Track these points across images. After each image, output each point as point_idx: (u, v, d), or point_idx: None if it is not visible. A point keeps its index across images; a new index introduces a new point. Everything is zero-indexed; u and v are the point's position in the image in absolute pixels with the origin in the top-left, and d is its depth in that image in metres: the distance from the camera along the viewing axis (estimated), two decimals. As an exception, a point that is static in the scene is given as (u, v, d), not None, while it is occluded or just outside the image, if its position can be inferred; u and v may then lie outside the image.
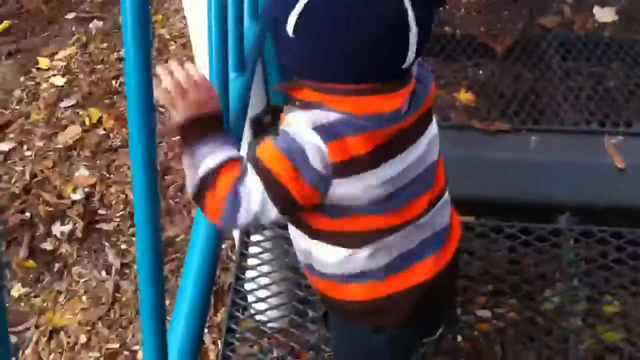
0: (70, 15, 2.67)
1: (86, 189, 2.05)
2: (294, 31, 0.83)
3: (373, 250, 0.92)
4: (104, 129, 2.22)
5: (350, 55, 0.82)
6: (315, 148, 0.82)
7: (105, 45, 2.52)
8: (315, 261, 0.97)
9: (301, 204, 0.86)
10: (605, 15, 1.94)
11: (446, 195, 1.00)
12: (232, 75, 1.26)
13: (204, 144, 0.87)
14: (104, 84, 2.36)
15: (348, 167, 0.84)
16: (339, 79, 0.84)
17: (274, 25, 0.87)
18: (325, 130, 0.83)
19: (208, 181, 0.85)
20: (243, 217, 0.85)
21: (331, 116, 0.84)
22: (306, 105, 0.87)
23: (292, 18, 0.82)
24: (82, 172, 2.10)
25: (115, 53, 2.48)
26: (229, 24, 1.20)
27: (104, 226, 1.98)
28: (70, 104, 2.29)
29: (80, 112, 2.27)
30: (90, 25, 2.61)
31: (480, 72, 1.85)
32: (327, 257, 0.94)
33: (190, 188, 0.88)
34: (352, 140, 0.83)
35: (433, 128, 0.95)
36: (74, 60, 2.47)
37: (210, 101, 0.90)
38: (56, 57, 2.49)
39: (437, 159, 0.96)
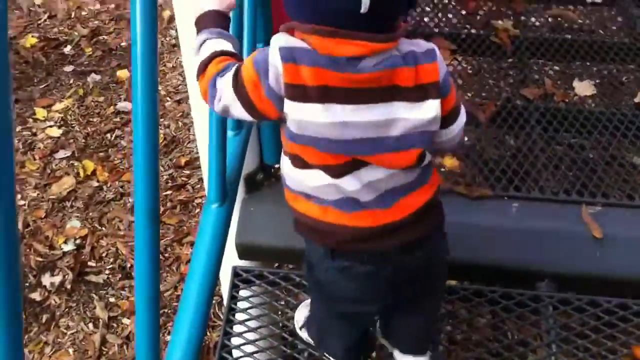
0: (69, 68, 2.74)
1: (77, 241, 2.09)
2: None
3: (322, 184, 1.03)
4: (98, 181, 2.26)
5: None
6: (273, 67, 0.95)
7: (102, 98, 2.58)
8: (284, 171, 1.09)
9: (259, 110, 0.99)
10: (584, 88, 2.03)
11: (420, 188, 1.07)
12: (230, 133, 1.32)
13: (211, 33, 1.04)
14: (99, 136, 2.42)
15: (297, 92, 0.95)
16: (304, 18, 0.97)
17: None
18: (287, 52, 0.95)
19: (202, 68, 1.02)
20: (217, 105, 1.02)
21: (298, 44, 0.96)
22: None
23: None
24: (74, 224, 2.13)
25: (112, 107, 2.54)
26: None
27: (93, 278, 2.00)
28: (65, 155, 2.34)
29: (75, 164, 2.31)
30: (88, 78, 2.68)
31: (465, 138, 1.92)
32: (287, 170, 1.07)
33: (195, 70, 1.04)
34: (305, 70, 0.94)
35: (423, 111, 1.00)
36: (70, 112, 2.53)
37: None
38: (53, 108, 2.55)
39: (415, 145, 1.01)
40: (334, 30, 0.94)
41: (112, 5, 3.11)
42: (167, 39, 2.95)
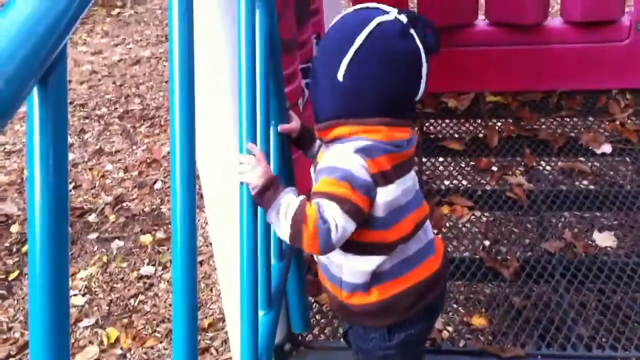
0: (93, 236, 2.80)
1: (100, 415, 2.03)
2: (343, 76, 1.13)
3: (393, 255, 1.19)
4: (121, 349, 2.24)
5: (386, 94, 1.14)
6: (359, 165, 1.11)
7: (125, 264, 2.62)
8: (345, 273, 1.22)
9: (365, 212, 1.12)
10: (605, 239, 2.05)
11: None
12: (260, 312, 1.32)
13: (280, 198, 1.13)
14: (123, 303, 2.42)
15: (381, 178, 1.13)
16: (375, 114, 1.14)
17: (322, 74, 1.17)
18: (363, 152, 1.11)
19: (298, 223, 1.09)
20: (334, 234, 1.09)
21: (366, 143, 1.13)
22: (342, 139, 1.16)
23: (343, 65, 1.13)
24: (97, 396, 2.08)
25: (135, 272, 2.56)
26: (259, 266, 1.29)
27: None
28: (89, 324, 2.34)
29: (99, 332, 2.30)
30: (112, 245, 2.73)
31: (492, 296, 1.91)
32: (359, 266, 1.20)
33: (285, 236, 1.12)
34: (380, 159, 1.13)
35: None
36: (94, 279, 2.55)
37: (269, 169, 1.19)
38: (77, 276, 2.58)
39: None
40: (393, 122, 1.15)
41: (135, 173, 3.24)
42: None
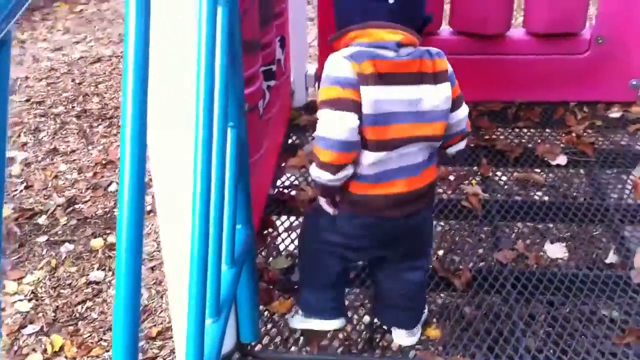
0: (42, 239, 2.72)
1: None
2: None
3: (374, 159, 1.41)
4: (65, 357, 2.17)
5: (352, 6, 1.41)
6: (347, 66, 1.36)
7: (74, 269, 2.55)
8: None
9: (356, 102, 1.36)
10: (556, 250, 2.05)
11: (431, 149, 1.49)
12: (208, 320, 1.29)
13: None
14: (70, 309, 2.35)
15: (365, 79, 1.35)
16: (355, 22, 1.40)
17: None
18: (350, 58, 1.36)
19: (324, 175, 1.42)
20: (335, 136, 1.37)
21: (352, 50, 1.38)
22: (340, 46, 1.43)
23: None
24: (38, 405, 2.02)
25: (84, 277, 2.50)
26: (209, 271, 1.25)
27: None
28: (33, 331, 2.26)
29: (43, 339, 2.23)
30: (61, 248, 2.66)
31: (444, 306, 1.90)
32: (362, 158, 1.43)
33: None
34: (364, 64, 1.35)
35: (438, 97, 1.42)
36: (41, 284, 2.48)
37: None
38: (24, 280, 2.50)
39: (427, 120, 1.43)
40: (384, 23, 1.39)
41: (90, 174, 3.17)
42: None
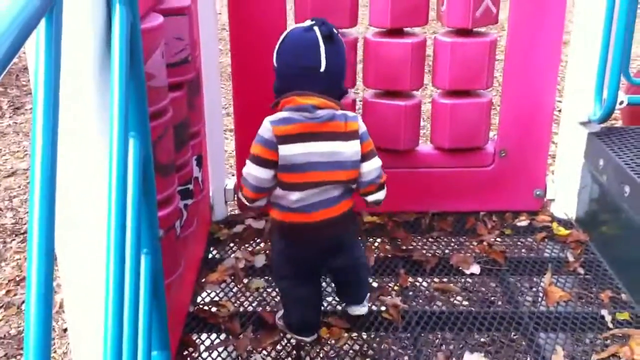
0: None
1: None
2: (275, 62, 1.94)
3: (298, 197, 1.89)
4: None
5: (294, 71, 1.89)
6: (267, 129, 1.84)
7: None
8: (273, 197, 1.96)
9: (270, 161, 1.85)
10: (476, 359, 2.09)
11: (345, 188, 1.97)
12: None
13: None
14: None
15: (282, 139, 1.83)
16: (297, 88, 1.86)
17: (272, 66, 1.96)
18: (274, 120, 1.85)
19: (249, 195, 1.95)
20: (249, 178, 1.90)
21: (279, 115, 1.86)
22: (281, 109, 1.90)
23: (275, 54, 1.94)
24: None
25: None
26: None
27: None
28: None
29: None
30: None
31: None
32: (278, 194, 1.92)
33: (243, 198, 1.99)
34: (283, 127, 1.83)
35: (349, 150, 1.90)
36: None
37: None
38: None
39: (339, 168, 1.90)
40: (304, 92, 1.85)
41: (2, 292, 3.03)
42: (59, 322, 2.87)
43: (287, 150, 1.82)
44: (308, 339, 2.14)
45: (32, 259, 0.83)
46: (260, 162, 1.85)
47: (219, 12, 4.54)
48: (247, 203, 1.96)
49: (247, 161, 1.89)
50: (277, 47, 1.93)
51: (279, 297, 2.33)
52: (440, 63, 2.78)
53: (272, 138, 1.82)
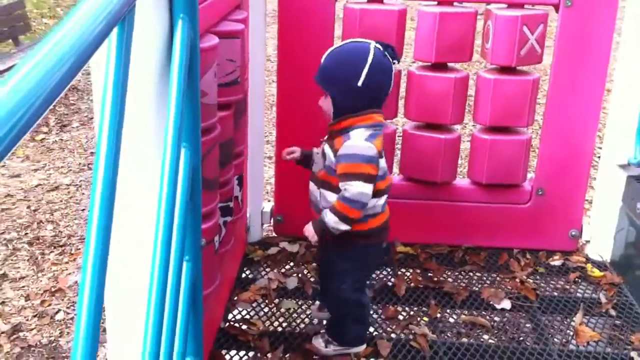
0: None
1: None
2: (362, 83, 1.97)
3: (383, 200, 2.09)
4: None
5: (383, 93, 2.06)
6: (370, 146, 1.98)
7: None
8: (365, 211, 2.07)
9: (375, 176, 1.99)
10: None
11: None
12: None
13: (325, 218, 2.04)
14: None
15: (380, 152, 2.01)
16: (376, 107, 2.04)
17: (343, 82, 2.01)
18: (369, 138, 1.99)
19: (342, 216, 2.01)
20: (361, 197, 1.97)
21: (367, 132, 2.00)
22: (351, 128, 2.01)
23: (363, 74, 1.97)
24: None
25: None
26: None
27: None
28: None
29: None
30: (0, 377, 2.57)
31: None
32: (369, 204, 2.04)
33: (340, 225, 2.02)
34: (377, 141, 2.00)
35: None
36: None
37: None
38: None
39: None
40: (377, 111, 2.04)
41: (37, 301, 3.12)
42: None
43: (382, 162, 2.03)
44: (362, 348, 2.25)
45: (87, 264, 0.89)
46: (371, 179, 1.97)
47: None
48: (345, 229, 2.00)
49: (355, 183, 1.95)
50: (365, 67, 1.97)
51: (341, 315, 2.25)
52: (482, 99, 2.82)
53: (377, 154, 1.98)
